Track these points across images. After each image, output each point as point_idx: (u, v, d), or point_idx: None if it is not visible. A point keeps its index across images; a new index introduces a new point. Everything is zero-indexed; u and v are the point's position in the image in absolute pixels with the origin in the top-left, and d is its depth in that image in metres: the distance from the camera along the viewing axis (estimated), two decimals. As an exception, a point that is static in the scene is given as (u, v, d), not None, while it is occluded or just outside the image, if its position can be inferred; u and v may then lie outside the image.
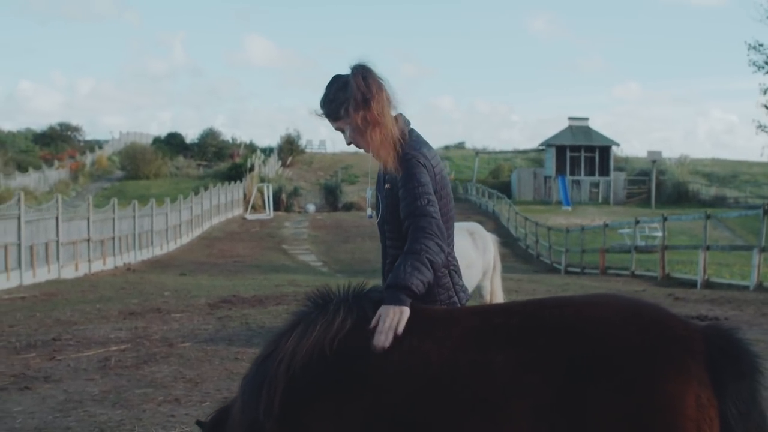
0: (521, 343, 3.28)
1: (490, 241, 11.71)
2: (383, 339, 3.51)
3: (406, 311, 3.62)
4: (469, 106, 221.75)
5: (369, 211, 4.59)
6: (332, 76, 4.23)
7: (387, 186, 4.18)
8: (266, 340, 3.89)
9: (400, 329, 3.53)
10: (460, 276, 4.35)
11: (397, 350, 3.46)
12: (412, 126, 4.29)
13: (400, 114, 4.25)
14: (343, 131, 4.22)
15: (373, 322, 3.59)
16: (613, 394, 3.07)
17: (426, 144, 4.23)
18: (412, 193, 3.98)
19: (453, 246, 4.29)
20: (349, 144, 4.23)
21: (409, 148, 4.11)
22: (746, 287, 20.62)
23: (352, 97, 4.07)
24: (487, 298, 11.41)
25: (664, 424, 3.04)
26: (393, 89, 4.19)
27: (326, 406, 3.46)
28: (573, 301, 3.52)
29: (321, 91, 4.26)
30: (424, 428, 3.32)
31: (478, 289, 11.44)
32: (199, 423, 4.13)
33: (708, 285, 22.30)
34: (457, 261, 4.34)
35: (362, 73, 4.10)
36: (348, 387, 3.45)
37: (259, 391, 3.58)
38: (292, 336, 3.62)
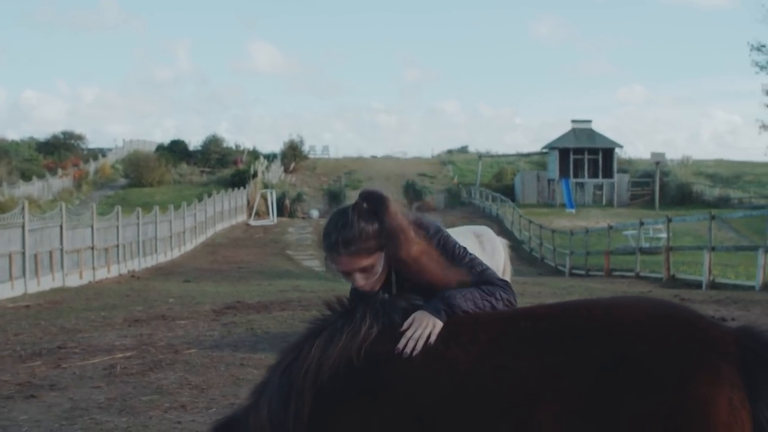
0: (549, 347, 3.22)
1: (499, 245, 11.61)
2: (412, 345, 3.44)
3: (440, 325, 3.51)
4: (472, 110, 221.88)
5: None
6: (340, 209, 3.93)
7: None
8: (284, 349, 3.77)
9: (432, 339, 3.44)
10: None
11: (423, 356, 3.41)
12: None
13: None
14: (371, 267, 3.82)
15: (405, 325, 3.52)
16: (644, 398, 3.01)
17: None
18: (462, 265, 3.85)
19: None
20: (363, 286, 3.84)
21: (426, 227, 3.95)
22: (752, 287, 20.59)
23: (392, 233, 3.76)
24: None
25: (696, 427, 2.98)
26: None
27: (353, 414, 3.40)
28: (600, 304, 3.48)
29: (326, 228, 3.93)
30: None
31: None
32: None
33: (713, 286, 22.26)
34: None
35: (389, 203, 3.83)
36: (374, 395, 3.40)
37: (287, 402, 3.50)
38: (316, 344, 3.54)
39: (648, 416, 2.99)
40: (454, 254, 3.90)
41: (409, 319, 3.55)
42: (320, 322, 3.70)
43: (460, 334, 3.47)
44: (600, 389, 3.05)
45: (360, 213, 3.79)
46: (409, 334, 3.48)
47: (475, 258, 3.95)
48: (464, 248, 3.98)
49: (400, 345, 3.46)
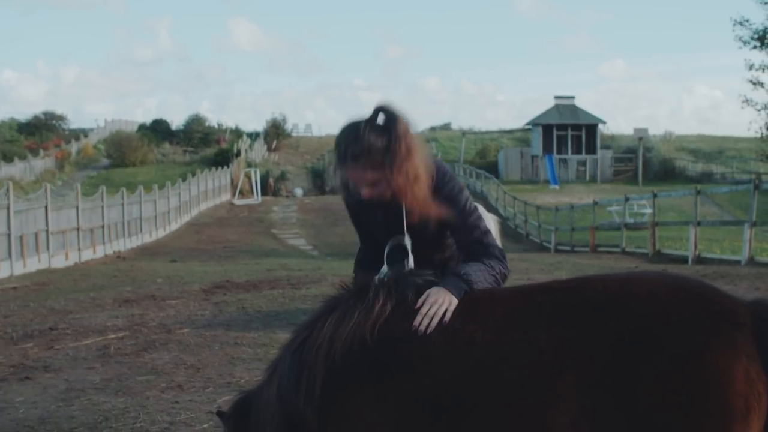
0: (566, 320, 3.22)
1: (491, 221, 11.61)
2: (427, 323, 3.44)
3: (455, 302, 3.52)
4: (455, 87, 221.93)
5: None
6: (353, 122, 3.90)
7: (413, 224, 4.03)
8: (298, 327, 3.78)
9: (447, 317, 3.45)
10: None
11: (439, 333, 3.39)
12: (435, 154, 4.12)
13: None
14: (377, 181, 3.89)
15: (419, 301, 3.52)
16: (660, 369, 3.02)
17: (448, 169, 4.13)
18: (467, 223, 3.98)
19: None
20: (369, 197, 3.94)
21: (439, 170, 4.02)
22: (737, 262, 20.71)
23: (396, 149, 3.81)
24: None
25: (713, 397, 2.99)
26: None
27: (367, 392, 3.39)
28: (616, 278, 3.49)
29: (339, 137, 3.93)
30: (470, 411, 3.25)
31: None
32: (220, 414, 3.99)
33: (699, 261, 22.38)
34: None
35: (400, 121, 3.85)
36: (390, 373, 3.38)
37: (297, 379, 3.50)
38: (328, 322, 3.53)
39: (665, 386, 3.00)
40: (462, 206, 3.97)
41: (424, 296, 3.55)
42: (333, 300, 3.70)
43: (477, 309, 3.47)
44: (617, 361, 3.06)
45: (371, 127, 3.82)
46: (424, 310, 3.48)
47: (481, 218, 4.03)
48: (475, 206, 4.05)
49: (416, 322, 3.45)
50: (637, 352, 3.06)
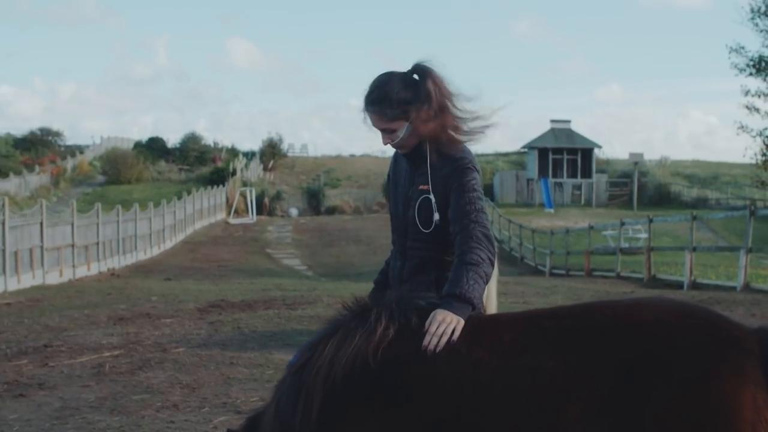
0: (573, 346, 3.21)
1: None
2: (435, 342, 3.41)
3: (462, 323, 3.51)
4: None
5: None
6: (385, 72, 4.08)
7: (423, 187, 4.09)
8: (302, 348, 3.78)
9: (455, 337, 3.43)
10: None
11: (445, 357, 3.37)
12: None
13: None
14: (392, 131, 4.05)
15: (427, 323, 3.48)
16: (668, 395, 3.01)
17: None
18: (465, 198, 3.97)
19: None
20: (386, 144, 4.10)
21: (467, 152, 4.08)
22: (733, 288, 20.71)
23: (427, 100, 3.94)
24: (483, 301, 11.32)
25: (721, 424, 2.98)
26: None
27: (369, 416, 3.37)
28: (622, 304, 3.47)
29: (368, 85, 4.07)
30: None
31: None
32: None
33: (695, 286, 22.38)
34: None
35: (435, 76, 4.00)
36: (393, 398, 3.35)
37: (295, 400, 3.49)
38: (329, 345, 3.52)
39: (672, 413, 3.00)
40: (466, 185, 3.99)
41: (430, 318, 3.51)
42: (335, 322, 3.69)
43: (482, 334, 3.45)
44: (624, 387, 3.06)
45: (402, 79, 4.00)
46: (432, 329, 3.44)
47: (483, 206, 4.04)
48: (478, 194, 4.02)
49: (425, 341, 3.42)
50: (644, 378, 3.05)
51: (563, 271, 34.80)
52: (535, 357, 3.23)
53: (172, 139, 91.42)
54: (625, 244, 34.67)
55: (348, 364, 3.42)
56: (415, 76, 4.02)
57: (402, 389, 3.35)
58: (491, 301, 11.70)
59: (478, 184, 4.05)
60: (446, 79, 4.04)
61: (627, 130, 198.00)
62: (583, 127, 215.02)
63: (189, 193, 53.83)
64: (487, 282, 3.84)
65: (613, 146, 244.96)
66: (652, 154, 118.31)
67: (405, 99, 3.95)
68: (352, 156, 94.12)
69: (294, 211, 67.07)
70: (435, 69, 4.02)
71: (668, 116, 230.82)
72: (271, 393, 3.83)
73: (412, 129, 3.99)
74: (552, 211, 65.15)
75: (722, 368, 3.03)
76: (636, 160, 70.93)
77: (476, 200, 3.98)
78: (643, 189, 70.70)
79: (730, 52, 46.17)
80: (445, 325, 3.47)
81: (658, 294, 19.03)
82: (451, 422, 3.25)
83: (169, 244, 45.00)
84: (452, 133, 4.02)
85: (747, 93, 45.99)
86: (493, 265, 3.89)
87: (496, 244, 4.04)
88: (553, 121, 74.45)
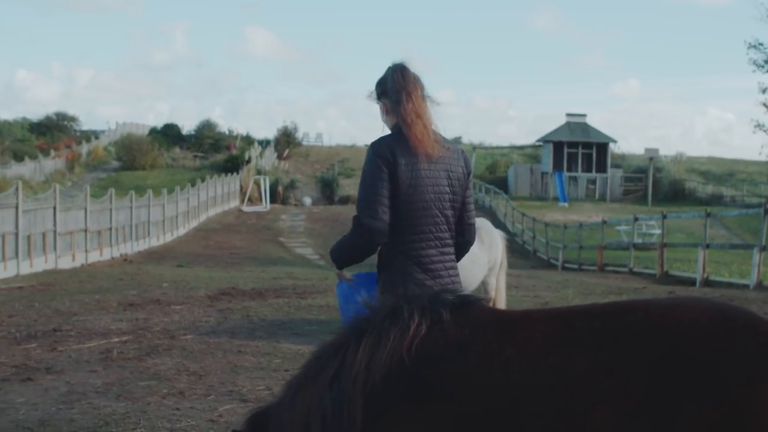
0: (605, 347, 3.12)
1: (497, 237, 11.56)
2: None
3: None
4: (467, 101, 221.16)
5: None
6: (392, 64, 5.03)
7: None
8: (323, 350, 3.70)
9: None
10: (421, 270, 4.87)
11: (476, 354, 3.32)
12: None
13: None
14: (386, 117, 5.11)
15: None
16: (705, 401, 2.90)
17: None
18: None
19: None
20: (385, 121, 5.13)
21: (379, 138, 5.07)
22: (746, 286, 20.61)
23: (399, 94, 4.91)
24: (492, 294, 11.28)
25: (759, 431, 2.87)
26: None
27: (406, 417, 3.32)
28: (657, 304, 3.37)
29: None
30: None
31: (483, 285, 11.30)
32: None
33: (707, 283, 22.28)
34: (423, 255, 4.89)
35: (400, 69, 4.97)
36: (426, 396, 3.31)
37: (341, 412, 3.42)
38: (363, 346, 3.47)
39: (708, 421, 2.89)
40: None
41: None
42: (362, 322, 3.64)
43: (513, 331, 3.38)
44: (659, 391, 2.96)
45: (395, 69, 4.99)
46: None
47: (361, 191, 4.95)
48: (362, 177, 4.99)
49: None
50: (679, 383, 2.95)
51: (576, 266, 34.71)
52: (565, 358, 3.16)
53: (188, 126, 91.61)
54: (638, 240, 34.56)
55: (385, 365, 3.38)
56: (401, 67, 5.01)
57: (436, 386, 3.31)
58: (500, 294, 11.69)
59: (366, 167, 4.97)
60: (416, 77, 4.99)
61: (644, 125, 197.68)
62: (599, 121, 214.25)
63: (203, 180, 53.81)
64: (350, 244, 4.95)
65: (630, 142, 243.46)
66: (668, 150, 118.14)
67: (383, 83, 5.04)
68: (367, 146, 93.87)
69: (307, 200, 67.09)
70: (409, 69, 4.98)
71: (685, 113, 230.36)
72: (283, 390, 3.77)
73: (395, 111, 4.95)
74: (566, 205, 64.97)
75: (762, 372, 2.92)
76: (651, 156, 70.66)
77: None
78: (657, 185, 70.45)
79: (748, 48, 46.01)
80: None
81: (669, 290, 18.98)
82: (482, 420, 3.20)
83: (182, 231, 45.03)
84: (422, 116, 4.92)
85: (765, 90, 45.77)
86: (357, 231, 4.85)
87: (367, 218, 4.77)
88: (568, 114, 74.20)
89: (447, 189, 4.90)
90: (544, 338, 3.26)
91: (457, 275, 5.05)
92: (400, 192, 4.77)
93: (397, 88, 4.89)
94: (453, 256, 5.06)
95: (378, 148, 4.86)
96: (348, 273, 5.16)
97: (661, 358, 3.00)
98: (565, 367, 3.13)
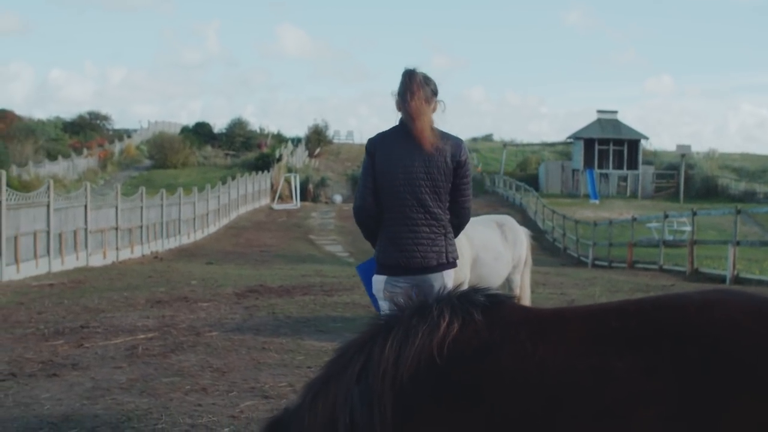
0: (643, 347, 3.06)
1: (522, 234, 11.52)
2: None
3: None
4: (499, 98, 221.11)
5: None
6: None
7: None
8: (347, 347, 3.67)
9: None
10: (391, 245, 5.75)
11: (510, 355, 3.27)
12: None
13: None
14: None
15: None
16: (749, 401, 2.86)
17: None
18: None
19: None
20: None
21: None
22: (776, 283, 20.42)
23: (409, 94, 5.62)
24: (517, 292, 11.25)
25: None
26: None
27: (437, 416, 3.27)
28: (692, 301, 3.26)
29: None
30: None
31: (508, 282, 11.27)
32: None
33: (738, 281, 22.09)
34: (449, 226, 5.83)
35: (416, 80, 5.63)
36: (459, 396, 3.25)
37: (371, 409, 3.36)
38: (390, 344, 3.42)
39: (753, 421, 2.84)
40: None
41: None
42: (388, 318, 3.63)
43: (546, 331, 3.32)
44: (700, 392, 2.91)
45: (404, 73, 5.69)
46: None
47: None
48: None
49: None
50: (722, 383, 2.90)
51: (606, 263, 34.52)
52: (603, 358, 3.10)
53: (219, 125, 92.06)
54: (669, 237, 34.33)
55: (413, 363, 3.34)
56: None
57: (469, 387, 3.26)
58: (525, 291, 11.66)
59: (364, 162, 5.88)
60: (425, 80, 5.66)
61: (676, 122, 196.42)
62: (631, 118, 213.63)
63: (234, 178, 54.09)
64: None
65: (662, 138, 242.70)
66: (701, 146, 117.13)
67: (399, 88, 5.70)
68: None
69: (338, 198, 67.24)
70: (419, 74, 5.66)
71: (718, 109, 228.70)
72: (303, 392, 3.74)
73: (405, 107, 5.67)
74: (597, 202, 64.68)
75: None
76: (683, 152, 70.10)
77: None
78: (690, 181, 69.95)
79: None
80: None
81: (698, 288, 18.83)
82: (518, 422, 3.15)
83: (212, 229, 45.28)
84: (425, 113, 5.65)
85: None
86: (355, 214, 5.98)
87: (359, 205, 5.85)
88: (599, 111, 73.82)
89: (423, 176, 5.60)
90: (580, 338, 3.22)
91: (430, 252, 5.68)
92: (378, 180, 5.69)
93: (403, 90, 5.61)
94: (430, 235, 5.69)
95: (367, 144, 5.84)
96: None
97: (703, 359, 2.95)
98: (605, 368, 3.07)
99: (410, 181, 5.60)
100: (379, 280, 5.84)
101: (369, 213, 5.79)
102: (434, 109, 5.69)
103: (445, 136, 5.70)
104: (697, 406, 2.89)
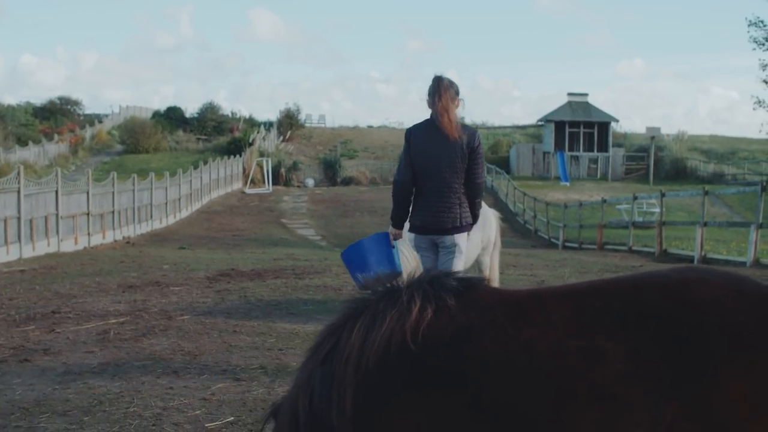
0: (629, 327, 3.04)
1: (491, 216, 11.64)
2: None
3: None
4: (471, 82, 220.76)
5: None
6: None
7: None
8: (322, 332, 3.57)
9: None
10: (422, 210, 7.62)
11: (491, 339, 3.17)
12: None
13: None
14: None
15: None
16: (737, 377, 2.88)
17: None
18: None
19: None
20: None
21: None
22: (743, 263, 20.70)
23: (437, 95, 7.40)
24: (486, 273, 11.37)
25: None
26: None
27: (413, 404, 3.16)
28: (669, 279, 3.23)
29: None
30: (533, 425, 3.05)
31: (477, 264, 11.40)
32: None
33: (705, 261, 22.36)
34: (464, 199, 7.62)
35: (443, 84, 7.40)
36: (434, 383, 3.15)
37: (329, 394, 3.29)
38: (356, 329, 3.32)
39: (741, 396, 2.87)
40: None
41: None
42: (358, 302, 3.53)
43: (528, 313, 3.25)
44: (689, 371, 2.92)
45: (434, 78, 7.45)
46: None
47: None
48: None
49: None
50: (710, 362, 2.92)
51: (576, 245, 34.80)
52: (592, 338, 3.06)
53: (191, 109, 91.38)
54: (639, 219, 34.62)
55: (380, 349, 3.23)
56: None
57: (449, 372, 3.15)
58: (494, 273, 11.80)
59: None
60: (450, 84, 7.41)
61: (647, 104, 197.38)
62: (602, 101, 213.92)
63: (206, 162, 53.92)
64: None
65: (633, 121, 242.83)
66: (671, 129, 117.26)
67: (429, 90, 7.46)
68: (370, 127, 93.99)
69: (310, 182, 67.14)
70: (446, 79, 7.41)
71: (689, 91, 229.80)
72: (292, 381, 3.68)
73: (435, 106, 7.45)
74: (568, 184, 64.97)
75: None
76: (653, 135, 70.40)
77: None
78: (659, 163, 70.31)
79: (748, 26, 45.86)
80: None
81: (668, 268, 19.05)
82: (506, 406, 3.09)
83: (185, 213, 45.18)
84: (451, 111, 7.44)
85: (765, 67, 45.66)
86: (392, 187, 7.84)
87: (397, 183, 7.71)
88: (570, 94, 73.94)
89: (446, 159, 7.37)
90: (563, 319, 3.16)
91: (447, 217, 7.50)
92: (413, 161, 7.48)
93: (433, 92, 7.38)
94: (447, 204, 7.48)
95: (405, 132, 7.69)
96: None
97: (690, 337, 2.96)
98: (594, 348, 3.04)
99: (436, 163, 7.39)
100: (410, 237, 7.88)
101: (407, 185, 7.59)
102: (457, 106, 7.42)
103: (464, 128, 7.48)
104: (686, 385, 2.91)
